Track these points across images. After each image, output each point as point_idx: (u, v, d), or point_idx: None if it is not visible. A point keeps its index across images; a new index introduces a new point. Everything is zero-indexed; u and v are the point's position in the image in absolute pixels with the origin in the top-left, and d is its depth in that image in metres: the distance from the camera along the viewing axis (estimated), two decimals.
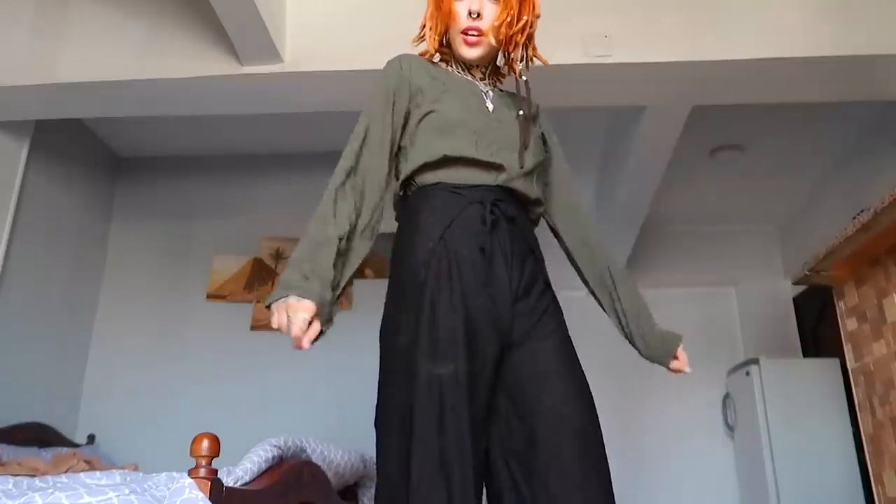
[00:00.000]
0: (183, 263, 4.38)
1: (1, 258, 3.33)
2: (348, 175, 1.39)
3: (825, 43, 2.69)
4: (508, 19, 1.41)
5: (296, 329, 1.16)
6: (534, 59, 1.53)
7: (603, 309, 1.59)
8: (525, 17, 1.44)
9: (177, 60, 2.87)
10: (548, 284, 1.42)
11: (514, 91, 1.52)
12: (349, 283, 1.39)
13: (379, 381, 1.31)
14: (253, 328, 4.23)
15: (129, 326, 4.22)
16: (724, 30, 2.74)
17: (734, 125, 3.95)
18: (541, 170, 1.50)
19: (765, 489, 3.98)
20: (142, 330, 4.22)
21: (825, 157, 4.31)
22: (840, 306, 2.45)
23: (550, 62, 1.60)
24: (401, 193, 1.48)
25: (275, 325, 1.19)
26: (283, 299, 1.20)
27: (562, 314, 1.41)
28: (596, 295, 1.58)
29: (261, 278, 4.34)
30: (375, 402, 1.29)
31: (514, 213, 1.39)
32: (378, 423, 1.28)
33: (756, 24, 2.74)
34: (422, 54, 1.54)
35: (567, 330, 1.40)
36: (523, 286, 1.34)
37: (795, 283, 2.58)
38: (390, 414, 1.24)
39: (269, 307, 1.21)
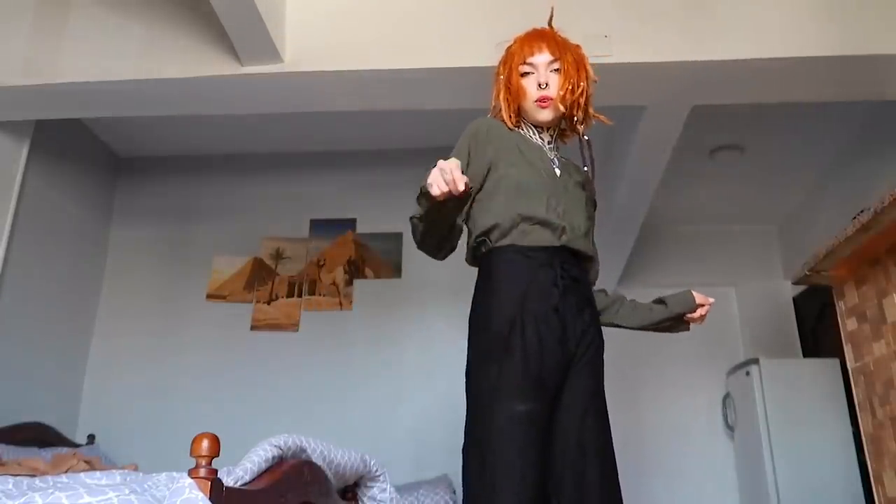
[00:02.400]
0: (183, 263, 4.38)
1: (1, 258, 3.32)
2: None
3: (825, 43, 2.69)
4: (570, 87, 1.67)
5: (451, 165, 1.35)
6: (594, 118, 1.77)
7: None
8: (582, 84, 1.69)
9: (177, 60, 2.87)
10: (599, 329, 1.67)
11: (577, 155, 1.76)
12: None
13: (467, 418, 1.53)
14: (253, 328, 4.23)
15: (129, 326, 4.23)
16: (724, 30, 2.74)
17: (734, 125, 3.95)
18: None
19: (765, 489, 3.98)
20: (142, 330, 4.22)
21: (825, 157, 4.31)
22: (840, 306, 2.45)
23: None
24: (475, 244, 1.67)
25: (435, 191, 1.36)
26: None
27: (602, 348, 1.65)
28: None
29: (261, 278, 4.34)
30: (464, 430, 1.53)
31: (576, 274, 1.62)
32: (466, 451, 1.50)
33: (756, 25, 2.74)
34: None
35: (602, 363, 1.65)
36: (581, 333, 1.58)
37: (795, 283, 2.58)
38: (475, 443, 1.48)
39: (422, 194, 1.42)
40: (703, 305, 1.75)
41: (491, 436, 1.43)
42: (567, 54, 1.69)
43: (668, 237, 5.11)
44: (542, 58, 1.68)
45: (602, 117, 1.78)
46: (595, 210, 1.80)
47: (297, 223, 4.45)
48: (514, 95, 1.71)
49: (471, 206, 1.65)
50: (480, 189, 1.64)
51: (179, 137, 4.40)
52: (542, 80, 1.67)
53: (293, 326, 4.23)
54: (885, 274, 2.15)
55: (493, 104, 1.77)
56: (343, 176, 4.45)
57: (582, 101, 1.70)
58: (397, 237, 4.29)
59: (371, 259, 4.33)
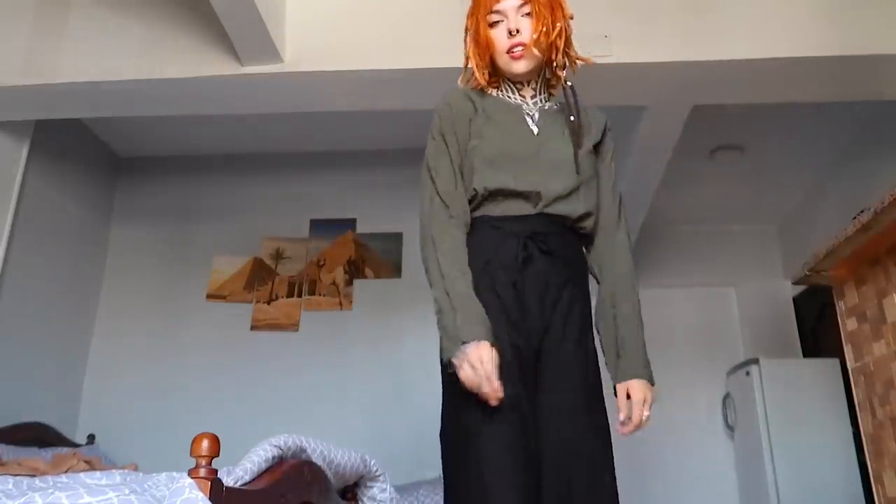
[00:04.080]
0: (183, 263, 4.38)
1: (1, 258, 3.32)
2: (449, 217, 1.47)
3: (825, 43, 2.69)
4: (545, 28, 1.50)
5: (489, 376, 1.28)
6: (577, 61, 1.61)
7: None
8: (559, 24, 1.52)
9: (177, 60, 2.87)
10: (585, 308, 1.49)
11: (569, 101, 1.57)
12: None
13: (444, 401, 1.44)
14: (253, 328, 4.23)
15: (129, 326, 4.22)
16: (723, 30, 2.74)
17: (734, 125, 3.95)
18: (591, 184, 1.54)
19: (765, 489, 3.98)
20: (142, 330, 4.22)
21: (825, 157, 4.31)
22: (840, 306, 2.45)
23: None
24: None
25: (467, 384, 1.29)
26: (460, 352, 1.30)
27: (589, 338, 1.48)
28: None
29: (261, 278, 4.34)
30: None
31: (553, 245, 1.45)
32: (443, 437, 1.41)
33: (756, 25, 2.74)
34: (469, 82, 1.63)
35: (590, 346, 1.48)
36: (550, 311, 1.42)
37: (795, 283, 2.58)
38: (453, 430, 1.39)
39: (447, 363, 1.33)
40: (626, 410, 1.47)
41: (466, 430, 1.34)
42: None
43: (668, 237, 5.11)
44: (509, 2, 1.51)
45: (586, 59, 1.61)
46: (606, 154, 1.62)
47: (297, 223, 4.45)
48: (484, 48, 1.54)
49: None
50: (463, 166, 1.53)
51: (179, 137, 4.40)
52: (513, 26, 1.50)
53: (293, 326, 4.22)
54: (885, 274, 2.15)
55: (464, 63, 1.62)
56: (343, 176, 4.45)
57: (560, 42, 1.53)
58: (397, 237, 4.29)
59: (371, 259, 4.33)
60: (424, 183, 1.51)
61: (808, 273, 2.41)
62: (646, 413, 1.44)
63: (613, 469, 1.40)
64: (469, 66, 1.59)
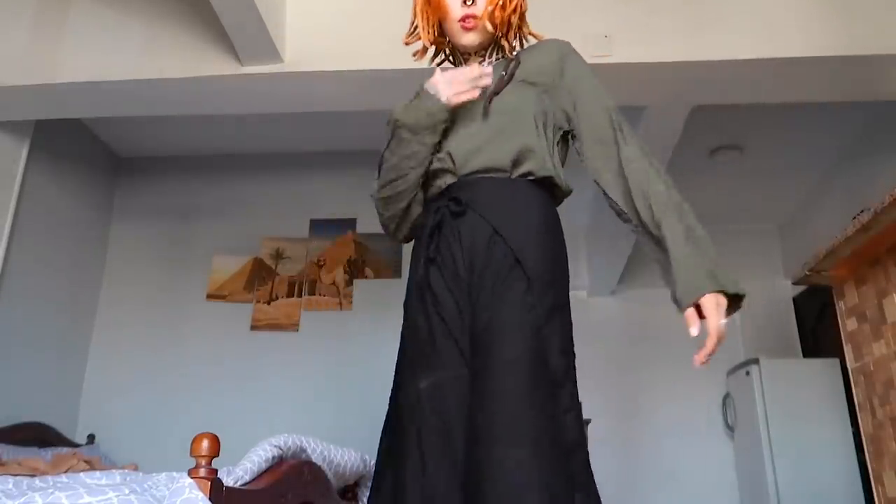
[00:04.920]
0: (183, 263, 4.38)
1: (1, 258, 3.32)
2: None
3: (825, 43, 2.69)
4: (501, 2, 1.41)
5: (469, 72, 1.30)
6: (529, 36, 1.54)
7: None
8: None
9: (177, 60, 2.87)
10: (516, 262, 1.27)
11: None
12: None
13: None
14: (253, 328, 4.23)
15: (129, 326, 4.23)
16: (723, 30, 2.74)
17: (734, 125, 3.95)
18: (522, 121, 1.39)
19: (765, 489, 3.97)
20: (142, 330, 4.22)
21: (825, 157, 4.31)
22: (840, 306, 2.45)
23: None
24: None
25: (447, 94, 1.33)
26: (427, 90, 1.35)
27: (521, 292, 1.25)
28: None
29: (261, 278, 4.34)
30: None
31: (467, 200, 1.33)
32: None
33: (756, 24, 2.74)
34: (416, 52, 1.61)
35: (523, 306, 1.24)
36: (480, 275, 1.28)
37: (795, 283, 2.58)
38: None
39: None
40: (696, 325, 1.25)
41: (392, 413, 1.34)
42: None
43: None
44: None
45: (538, 35, 1.52)
46: (572, 75, 1.44)
47: (297, 223, 4.44)
48: (434, 9, 1.45)
49: None
50: None
51: (179, 137, 4.40)
52: None
53: (293, 326, 4.22)
54: (885, 274, 2.15)
55: (410, 21, 1.53)
56: (343, 176, 4.45)
57: (514, 18, 1.45)
58: None
59: (371, 259, 4.33)
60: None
61: (808, 273, 2.41)
62: (722, 321, 1.23)
63: (536, 438, 1.14)
64: (415, 22, 1.51)
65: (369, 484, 2.32)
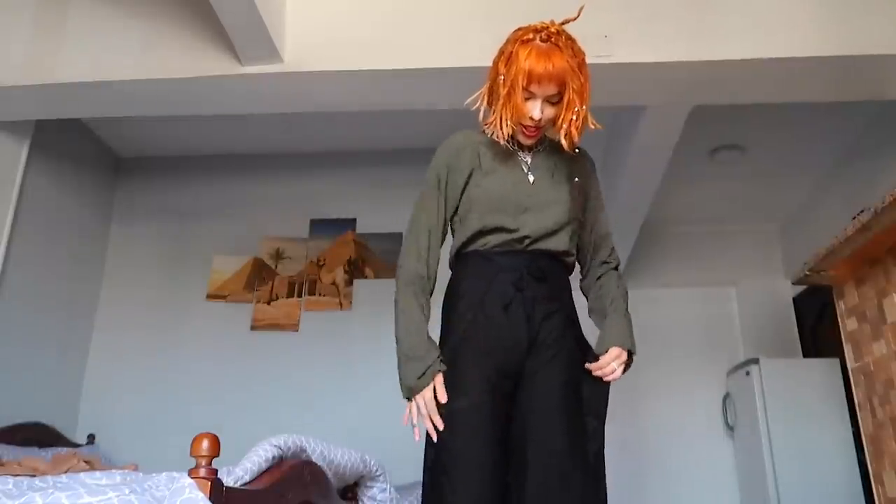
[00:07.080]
0: (183, 263, 4.38)
1: (1, 258, 3.33)
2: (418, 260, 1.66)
3: (825, 43, 2.69)
4: (574, 118, 1.55)
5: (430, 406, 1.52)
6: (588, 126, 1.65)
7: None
8: (584, 109, 1.56)
9: (177, 60, 2.87)
10: (570, 335, 1.61)
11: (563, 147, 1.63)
12: None
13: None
14: (253, 328, 4.23)
15: (129, 326, 4.22)
16: (724, 30, 2.74)
17: (734, 125, 3.95)
18: (576, 223, 1.68)
19: (765, 489, 3.98)
20: (142, 330, 4.22)
21: (825, 156, 4.31)
22: (840, 306, 2.45)
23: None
24: (452, 258, 1.70)
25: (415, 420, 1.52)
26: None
27: (575, 356, 1.59)
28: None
29: (261, 278, 4.34)
30: None
31: (544, 272, 1.60)
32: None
33: (756, 24, 2.74)
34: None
35: (577, 370, 1.58)
36: (544, 327, 1.56)
37: (795, 283, 2.58)
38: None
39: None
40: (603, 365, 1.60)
41: (444, 431, 1.49)
42: (574, 79, 1.52)
43: (668, 237, 5.11)
44: (545, 89, 1.53)
45: (598, 125, 1.61)
46: (594, 190, 1.76)
47: (297, 223, 4.44)
48: (515, 112, 1.56)
49: (451, 226, 1.69)
50: (456, 211, 1.65)
51: (179, 137, 4.40)
52: (537, 115, 1.54)
53: (293, 326, 4.22)
54: (885, 274, 2.15)
55: (482, 106, 1.64)
56: (343, 176, 4.45)
57: (578, 124, 1.57)
58: (397, 237, 4.28)
59: (371, 259, 4.33)
60: (411, 228, 1.66)
61: (808, 273, 2.41)
62: (617, 371, 1.57)
63: (591, 466, 1.55)
64: (492, 113, 1.61)
65: (369, 484, 2.32)
